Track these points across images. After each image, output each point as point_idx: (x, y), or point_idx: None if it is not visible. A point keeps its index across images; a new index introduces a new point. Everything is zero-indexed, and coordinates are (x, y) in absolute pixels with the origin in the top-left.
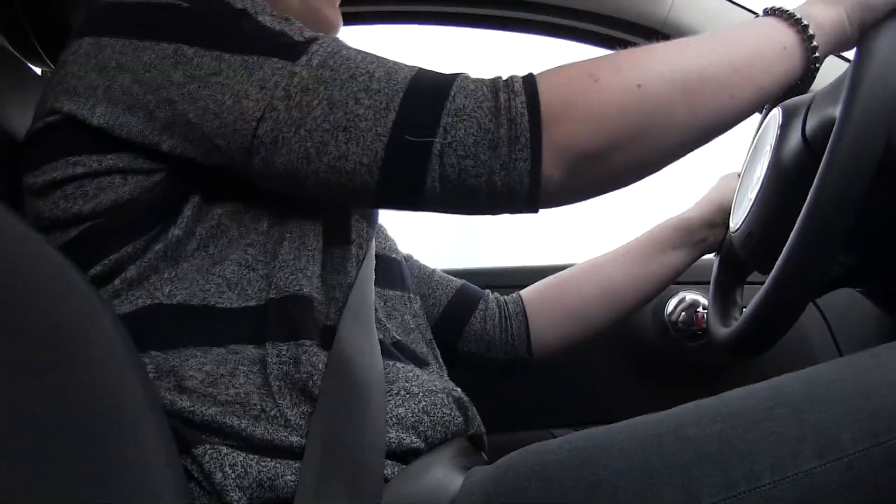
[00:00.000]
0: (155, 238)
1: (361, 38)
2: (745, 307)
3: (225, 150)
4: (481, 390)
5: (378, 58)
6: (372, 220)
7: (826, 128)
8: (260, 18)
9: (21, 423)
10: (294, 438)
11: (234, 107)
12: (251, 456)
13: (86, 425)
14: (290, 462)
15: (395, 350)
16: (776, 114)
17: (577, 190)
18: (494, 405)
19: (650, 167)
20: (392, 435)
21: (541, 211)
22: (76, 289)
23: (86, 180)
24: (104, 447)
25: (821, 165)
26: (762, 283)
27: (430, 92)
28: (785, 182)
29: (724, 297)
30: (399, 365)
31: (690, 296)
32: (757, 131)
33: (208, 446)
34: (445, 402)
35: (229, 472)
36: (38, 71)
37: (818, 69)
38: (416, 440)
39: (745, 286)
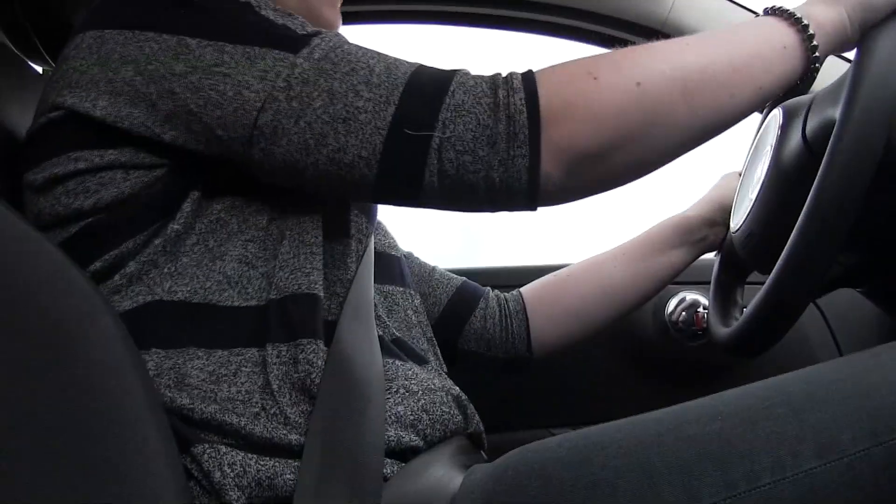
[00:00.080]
0: (155, 233)
1: (361, 37)
2: (745, 307)
3: (226, 141)
4: (481, 389)
5: (379, 53)
6: (371, 216)
7: (826, 129)
8: (263, 12)
9: (21, 423)
10: (293, 437)
11: (236, 97)
12: (250, 455)
13: (86, 425)
14: (289, 461)
15: (394, 347)
16: (777, 114)
17: (576, 188)
18: (494, 404)
19: (650, 166)
20: (391, 433)
21: (539, 209)
22: (76, 287)
23: (87, 176)
24: (104, 447)
25: (821, 165)
26: (763, 284)
27: (429, 87)
28: (785, 182)
29: (725, 297)
30: (398, 363)
31: (691, 296)
32: (757, 131)
33: (207, 445)
34: (444, 400)
35: (228, 471)
36: (39, 70)
37: (818, 69)
38: (415, 438)
39: (746, 286)
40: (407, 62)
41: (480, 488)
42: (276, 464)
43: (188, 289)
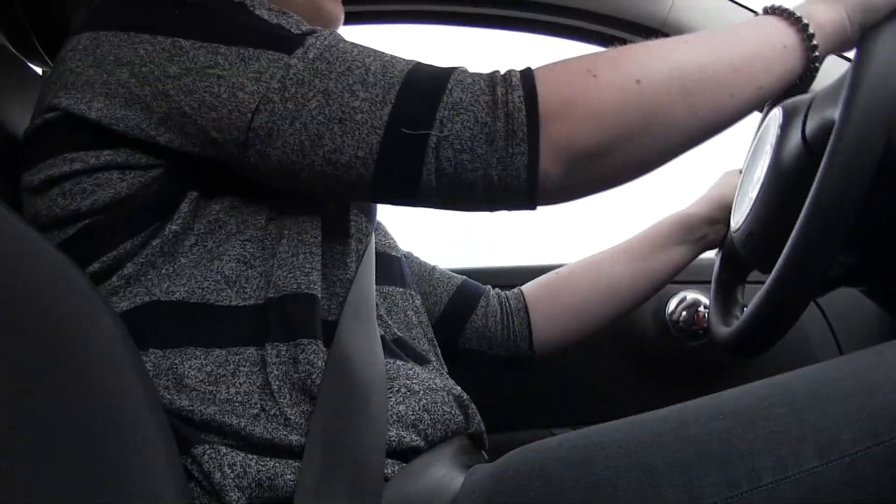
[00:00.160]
0: (153, 234)
1: (361, 38)
2: (746, 306)
3: (221, 143)
4: (482, 388)
5: (375, 51)
6: (371, 215)
7: (825, 130)
8: (257, 11)
9: (21, 423)
10: (294, 437)
11: (230, 99)
12: (250, 456)
13: (86, 425)
14: (290, 461)
15: (395, 347)
16: (776, 113)
17: (575, 187)
18: (495, 404)
19: (649, 165)
20: (392, 433)
21: (538, 209)
22: (76, 287)
23: (83, 177)
24: (104, 447)
25: (821, 165)
26: (763, 283)
27: (426, 85)
28: (785, 182)
29: (726, 297)
30: (400, 363)
31: (691, 295)
32: (757, 131)
33: (207, 446)
34: (446, 400)
35: (228, 471)
36: (39, 71)
37: (818, 69)
38: (416, 438)
39: (746, 285)
40: (404, 60)
41: (481, 488)
42: (277, 464)
43: (186, 289)
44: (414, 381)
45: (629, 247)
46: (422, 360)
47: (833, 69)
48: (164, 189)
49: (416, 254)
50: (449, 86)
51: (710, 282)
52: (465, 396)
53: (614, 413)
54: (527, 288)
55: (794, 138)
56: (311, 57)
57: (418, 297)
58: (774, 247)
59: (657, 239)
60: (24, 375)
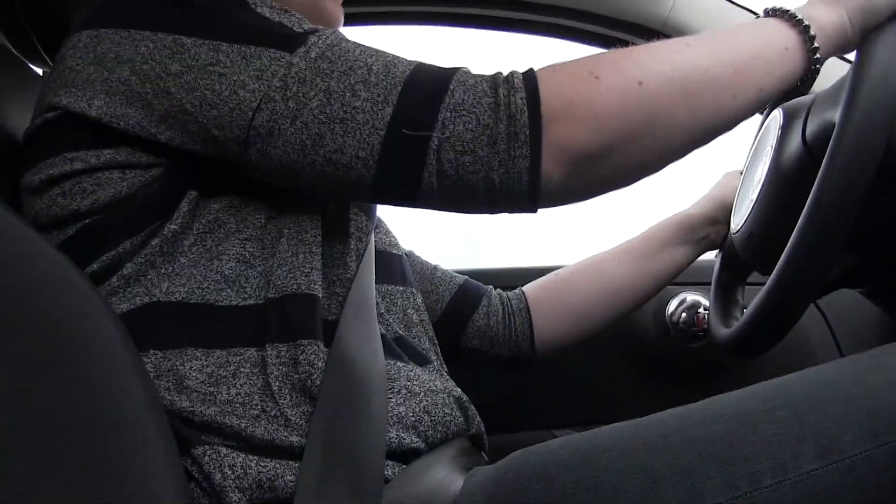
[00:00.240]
0: (152, 234)
1: (362, 38)
2: (746, 307)
3: (222, 141)
4: (483, 388)
5: (377, 51)
6: (371, 214)
7: (826, 132)
8: (259, 9)
9: (21, 423)
10: (294, 438)
11: (231, 97)
12: (251, 456)
13: (86, 425)
14: (290, 462)
15: (396, 347)
16: (777, 115)
17: (577, 189)
18: (496, 404)
19: (651, 167)
20: (392, 434)
21: (540, 211)
22: (76, 287)
23: (83, 176)
24: (104, 447)
25: (821, 167)
26: (763, 284)
27: (428, 86)
28: (785, 184)
29: (726, 298)
30: (400, 364)
31: (691, 296)
32: (758, 132)
33: (208, 447)
34: (446, 401)
35: (229, 472)
36: (39, 71)
37: (819, 70)
38: (416, 440)
39: (746, 287)
40: (406, 60)
41: (481, 491)
42: (277, 465)
43: (186, 289)
44: (414, 382)
45: (630, 247)
46: (422, 360)
47: (834, 71)
48: (164, 188)
49: (416, 253)
50: (451, 87)
51: (710, 284)
52: (466, 398)
53: (614, 414)
54: (528, 288)
55: (795, 140)
56: (313, 56)
57: (419, 296)
58: (774, 248)
59: (658, 239)
60: (24, 375)
